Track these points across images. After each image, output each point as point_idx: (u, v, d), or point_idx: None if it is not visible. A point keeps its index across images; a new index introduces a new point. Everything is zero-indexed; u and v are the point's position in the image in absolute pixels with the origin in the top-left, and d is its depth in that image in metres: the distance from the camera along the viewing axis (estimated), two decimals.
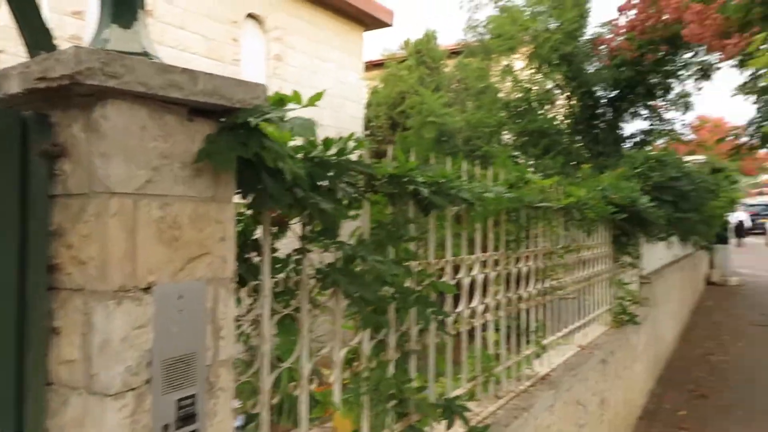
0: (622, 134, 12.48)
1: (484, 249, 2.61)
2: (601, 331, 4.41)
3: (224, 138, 1.10)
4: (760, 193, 57.04)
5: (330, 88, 8.32)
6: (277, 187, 1.18)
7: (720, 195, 11.20)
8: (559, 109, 12.64)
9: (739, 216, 23.27)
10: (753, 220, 27.03)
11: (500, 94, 11.92)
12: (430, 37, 15.83)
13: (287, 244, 1.54)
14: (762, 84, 10.06)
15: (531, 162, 10.82)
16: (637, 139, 12.28)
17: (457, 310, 2.36)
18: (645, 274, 5.86)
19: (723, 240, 13.23)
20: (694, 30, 7.26)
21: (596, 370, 3.80)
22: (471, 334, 2.52)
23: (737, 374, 6.29)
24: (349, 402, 1.72)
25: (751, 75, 9.96)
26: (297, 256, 1.50)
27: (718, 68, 12.15)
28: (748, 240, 24.05)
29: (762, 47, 5.66)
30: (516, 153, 11.45)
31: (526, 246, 3.01)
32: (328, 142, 1.38)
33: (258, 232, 1.44)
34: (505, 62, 11.64)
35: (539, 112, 11.48)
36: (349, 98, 9.20)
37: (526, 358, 3.05)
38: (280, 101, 1.16)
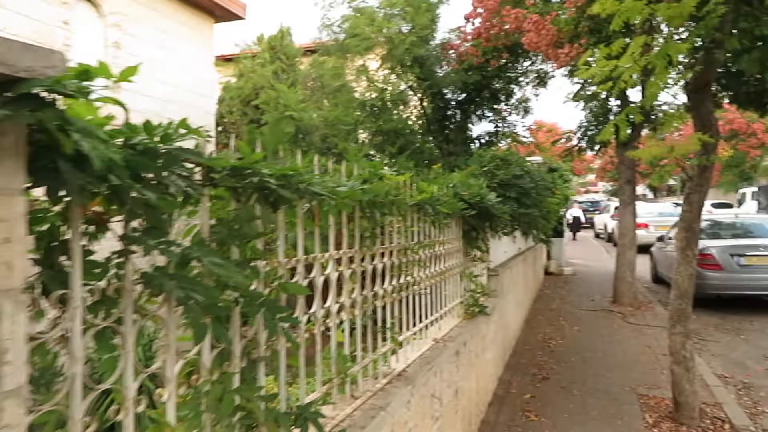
0: (471, 135, 13.18)
1: (339, 246, 2.52)
2: (454, 323, 4.55)
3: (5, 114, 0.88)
4: (588, 191, 63.68)
5: (177, 81, 7.85)
6: (80, 176, 0.98)
7: (555, 192, 12.25)
8: (413, 109, 13.07)
9: (575, 212, 25.34)
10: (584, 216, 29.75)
11: (356, 93, 12.04)
12: (284, 34, 15.57)
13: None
14: (589, 92, 11.14)
15: (386, 161, 11.06)
16: (484, 140, 13.03)
17: (311, 310, 2.25)
18: (493, 267, 6.17)
19: (559, 233, 14.48)
20: (531, 39, 7.81)
21: (451, 362, 3.90)
22: (326, 334, 2.43)
23: (573, 356, 6.86)
24: (188, 419, 1.54)
25: (579, 84, 10.97)
26: (119, 259, 1.29)
27: (553, 76, 13.26)
28: (581, 234, 26.44)
29: (591, 59, 6.20)
30: (373, 152, 11.64)
31: (381, 242, 2.98)
32: (149, 127, 1.20)
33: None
34: (360, 62, 11.75)
35: (394, 112, 11.75)
36: (198, 92, 8.69)
37: (383, 356, 3.02)
38: (85, 73, 0.97)
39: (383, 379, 2.95)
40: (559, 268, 14.39)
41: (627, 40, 4.50)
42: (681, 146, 4.22)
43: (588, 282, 13.00)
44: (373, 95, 11.82)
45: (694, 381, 4.85)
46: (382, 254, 2.99)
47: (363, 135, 12.21)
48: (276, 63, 14.63)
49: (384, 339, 3.06)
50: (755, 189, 28.90)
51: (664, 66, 4.49)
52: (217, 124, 12.37)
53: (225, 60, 15.53)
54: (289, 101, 10.27)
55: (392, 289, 3.13)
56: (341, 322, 2.53)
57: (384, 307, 3.05)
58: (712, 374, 6.20)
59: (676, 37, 4.50)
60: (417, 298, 3.62)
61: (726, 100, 9.16)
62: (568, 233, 23.47)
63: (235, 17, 9.47)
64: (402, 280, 3.29)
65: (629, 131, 10.28)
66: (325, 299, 2.38)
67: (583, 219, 27.08)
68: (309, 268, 2.24)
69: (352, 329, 2.64)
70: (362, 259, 2.74)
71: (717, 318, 8.99)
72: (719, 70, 7.34)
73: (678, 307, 4.79)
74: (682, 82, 5.20)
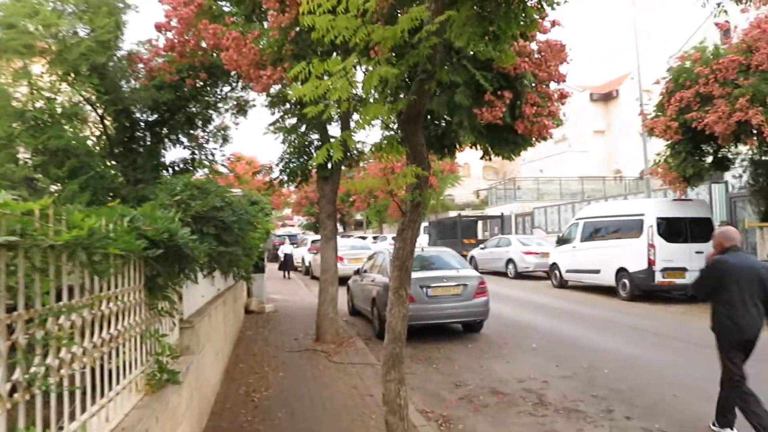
0: (164, 162, 11.80)
1: None
2: (132, 404, 3.38)
3: None
4: (285, 225, 65.74)
5: None
6: None
7: (258, 226, 11.62)
8: (94, 128, 11.12)
9: (287, 249, 24.23)
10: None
11: (15, 102, 9.63)
12: None
13: None
14: (289, 123, 10.87)
15: (55, 187, 8.98)
16: (179, 167, 11.78)
17: None
18: (187, 318, 5.11)
19: (260, 269, 13.88)
20: (231, 56, 7.08)
21: None
22: None
23: (280, 409, 6.14)
24: None
25: (281, 114, 10.62)
26: None
27: (254, 105, 12.79)
28: (272, 267, 25.31)
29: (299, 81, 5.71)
30: (37, 176, 9.39)
31: None
32: None
33: None
34: (20, 62, 9.44)
35: (66, 127, 9.70)
36: None
37: None
38: None
39: None
40: (260, 306, 13.74)
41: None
42: (397, 178, 3.92)
43: (290, 319, 12.62)
44: (39, 104, 9.60)
45: (409, 430, 4.55)
46: None
47: (25, 154, 9.80)
48: None
49: None
50: (426, 224, 33.10)
51: (380, 90, 4.17)
52: None
53: None
54: None
55: (10, 387, 1.93)
56: None
57: None
58: (415, 411, 6.14)
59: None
60: (64, 385, 2.42)
61: None
62: (270, 267, 22.75)
63: None
64: (34, 368, 2.10)
65: (329, 165, 10.30)
66: None
67: (296, 256, 25.67)
68: None
69: None
70: None
71: (410, 348, 9.32)
72: None
73: (392, 352, 4.45)
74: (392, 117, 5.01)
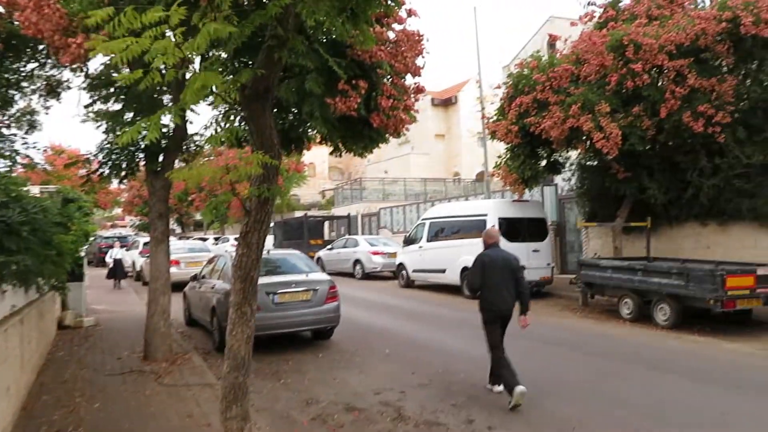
0: None
1: None
2: None
3: None
4: (115, 226, 60.15)
5: None
6: None
7: (72, 228, 9.94)
8: None
9: (116, 253, 21.35)
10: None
11: None
12: None
13: None
14: (112, 108, 9.39)
15: None
16: None
17: None
18: None
19: (77, 277, 12.01)
20: (29, 18, 5.70)
21: None
22: None
23: None
24: None
25: (99, 96, 9.10)
26: None
27: (69, 87, 11.01)
28: (98, 273, 22.93)
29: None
30: None
31: None
32: None
33: None
34: None
35: None
36: None
37: None
38: None
39: None
40: (77, 320, 11.86)
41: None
42: (239, 168, 3.13)
43: (114, 334, 11.00)
44: None
45: None
46: None
47: None
48: None
49: None
50: (272, 224, 31.91)
51: (216, 58, 3.35)
52: None
53: None
54: None
55: None
56: None
57: None
58: None
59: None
60: None
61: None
62: (96, 273, 20.25)
63: None
64: None
65: (161, 158, 9.02)
66: None
67: (129, 262, 22.98)
68: None
69: None
70: None
71: (256, 362, 8.31)
72: None
73: (234, 382, 3.64)
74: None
